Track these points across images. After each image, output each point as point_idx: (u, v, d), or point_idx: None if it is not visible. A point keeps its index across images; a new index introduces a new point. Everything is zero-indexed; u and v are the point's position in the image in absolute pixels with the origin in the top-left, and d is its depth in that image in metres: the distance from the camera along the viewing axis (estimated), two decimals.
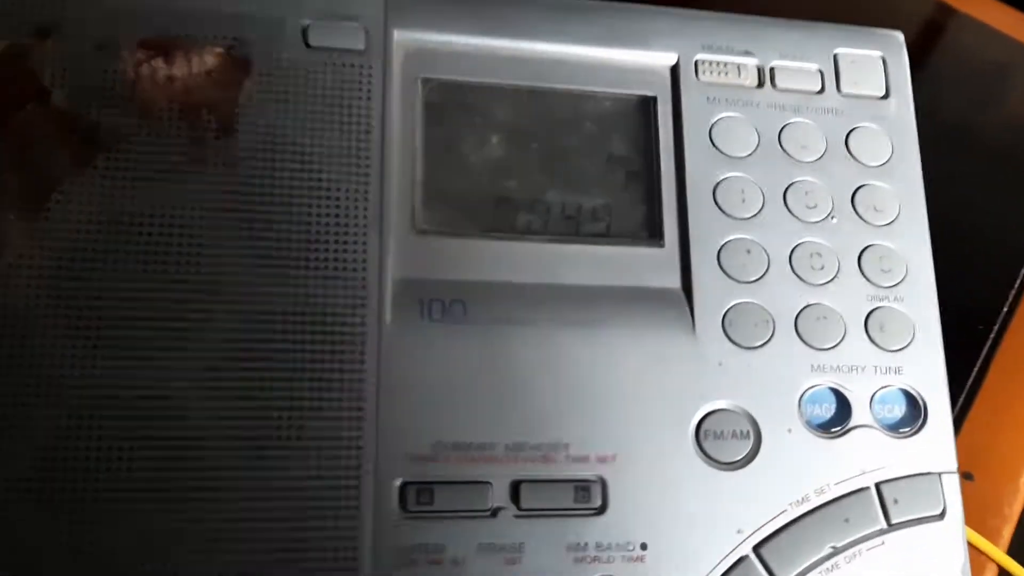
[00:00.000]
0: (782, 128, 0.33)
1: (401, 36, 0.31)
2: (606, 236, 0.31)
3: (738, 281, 0.31)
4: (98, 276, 0.27)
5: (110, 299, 0.27)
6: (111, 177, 0.28)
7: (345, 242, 0.29)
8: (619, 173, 0.32)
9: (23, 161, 0.27)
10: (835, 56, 0.34)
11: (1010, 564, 0.37)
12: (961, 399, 0.41)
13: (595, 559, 0.28)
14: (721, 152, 0.32)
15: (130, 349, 0.27)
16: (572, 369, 0.29)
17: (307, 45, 0.30)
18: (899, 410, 0.31)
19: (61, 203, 0.27)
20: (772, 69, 0.33)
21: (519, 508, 0.28)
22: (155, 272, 0.27)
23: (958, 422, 0.41)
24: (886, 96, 0.34)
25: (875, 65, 0.34)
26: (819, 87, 0.34)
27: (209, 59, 0.29)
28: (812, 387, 0.31)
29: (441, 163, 0.31)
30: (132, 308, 0.27)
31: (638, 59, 0.33)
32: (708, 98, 0.33)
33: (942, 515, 0.30)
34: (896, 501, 0.30)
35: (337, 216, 0.29)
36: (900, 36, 0.35)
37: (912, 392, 0.31)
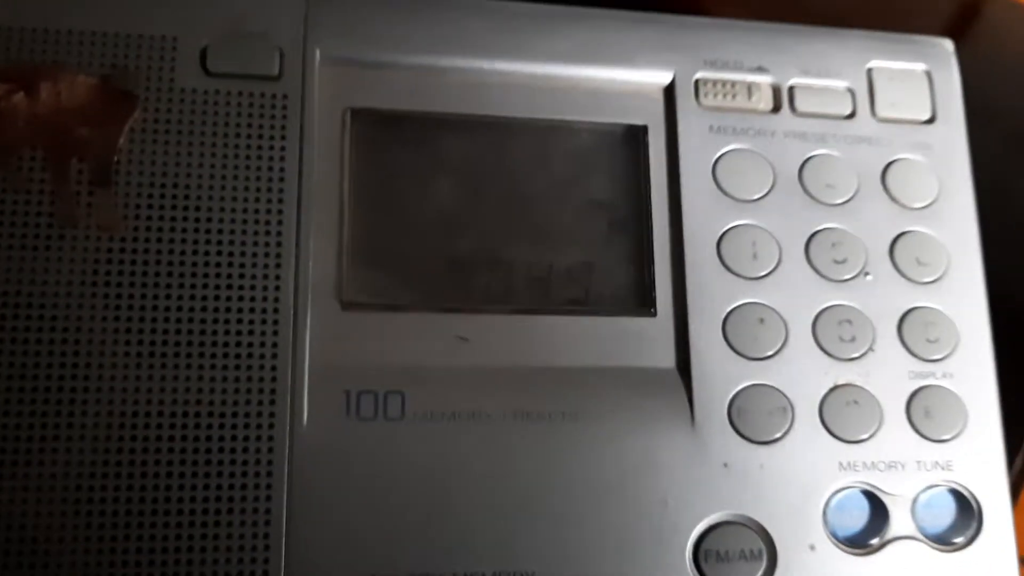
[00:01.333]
0: (803, 163, 0.27)
1: (324, 56, 0.25)
2: (584, 304, 0.26)
3: (748, 358, 0.26)
4: None
5: None
6: None
7: (251, 321, 0.23)
8: (600, 223, 0.26)
9: None
10: (869, 71, 0.28)
11: None
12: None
13: None
14: (727, 194, 0.27)
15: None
16: (538, 476, 0.24)
17: (206, 71, 0.25)
18: (948, 516, 0.26)
19: None
20: (791, 89, 0.28)
21: None
22: (10, 367, 0.22)
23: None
24: (932, 120, 0.28)
25: (918, 82, 0.28)
26: (849, 110, 0.28)
27: (81, 91, 0.24)
28: (840, 490, 0.25)
29: (375, 216, 0.25)
30: None
31: (623, 79, 0.27)
32: (711, 127, 0.27)
33: None
34: None
35: (242, 288, 0.24)
36: (949, 44, 0.29)
37: (964, 492, 0.26)
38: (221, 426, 0.23)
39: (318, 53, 0.25)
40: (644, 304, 0.26)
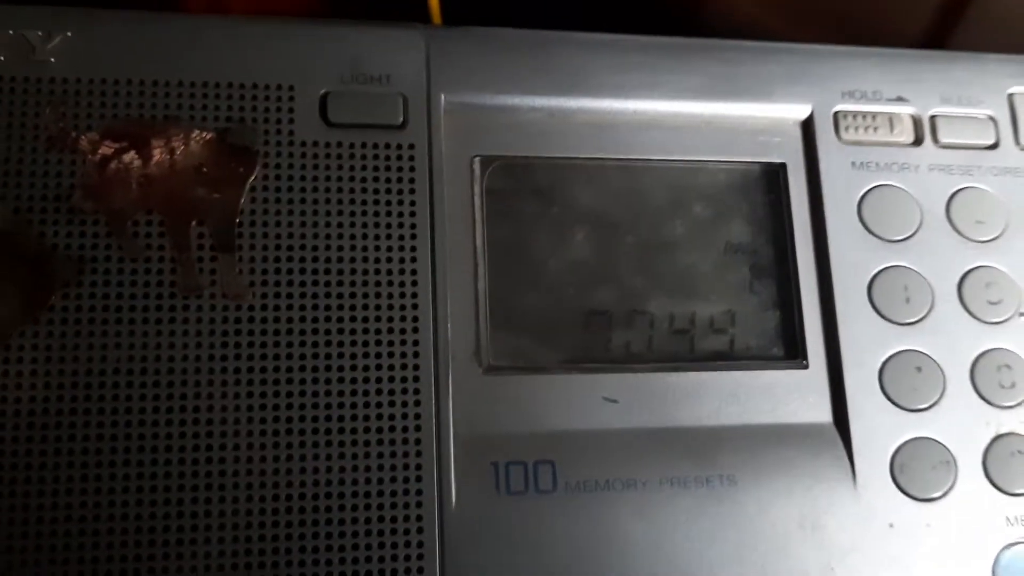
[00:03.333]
0: (950, 198, 0.26)
1: (449, 103, 0.24)
2: (730, 356, 0.25)
3: (907, 409, 0.25)
4: (62, 460, 0.21)
5: (80, 487, 0.21)
6: (74, 321, 0.21)
7: (392, 392, 0.22)
8: (742, 269, 0.25)
9: None
10: (1010, 97, 0.27)
11: None
12: None
13: None
14: (874, 234, 0.26)
15: (107, 555, 0.21)
16: (697, 546, 0.23)
17: (327, 122, 0.23)
18: None
19: (10, 363, 0.21)
20: (933, 119, 0.27)
21: None
22: (134, 451, 0.21)
23: None
24: None
25: None
26: (993, 140, 0.27)
27: (197, 149, 0.23)
28: (1009, 546, 0.24)
29: (510, 271, 0.24)
30: (107, 504, 0.21)
31: (758, 114, 0.26)
32: (854, 162, 0.26)
33: None
34: None
35: (379, 356, 0.22)
36: None
37: None
38: (367, 507, 0.22)
39: (443, 99, 0.24)
40: (794, 354, 0.25)
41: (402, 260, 0.23)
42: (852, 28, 0.42)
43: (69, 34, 0.23)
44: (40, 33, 0.23)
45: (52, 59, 0.23)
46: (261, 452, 0.22)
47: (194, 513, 0.21)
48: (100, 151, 0.22)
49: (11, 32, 0.23)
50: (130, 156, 0.22)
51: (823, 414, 0.25)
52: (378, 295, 0.23)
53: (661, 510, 0.23)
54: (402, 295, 0.23)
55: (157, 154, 0.23)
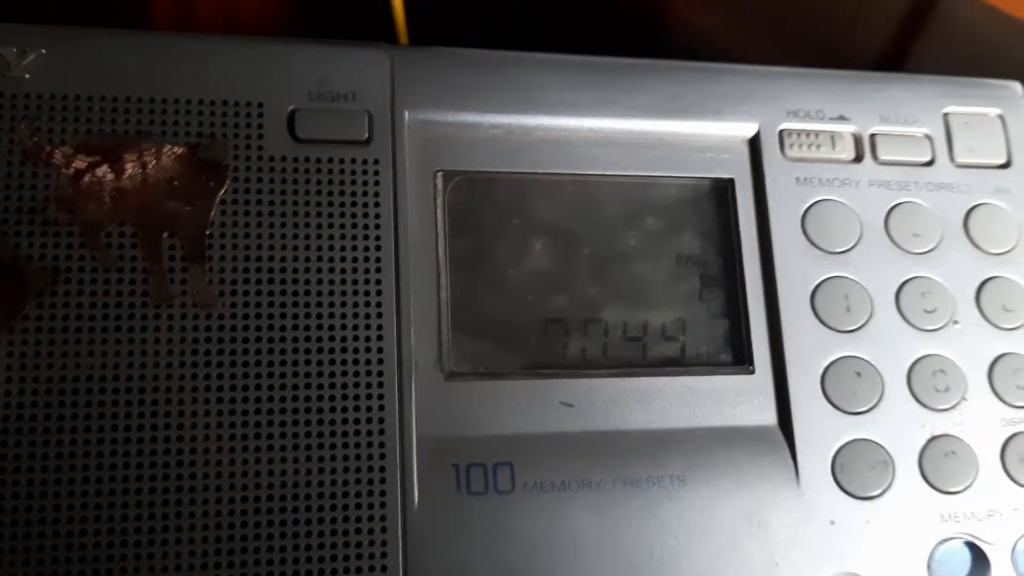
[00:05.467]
0: (888, 212, 0.28)
1: (413, 119, 0.26)
2: (680, 363, 0.26)
3: (848, 412, 0.26)
4: (35, 465, 0.22)
5: (53, 491, 0.22)
6: (48, 330, 0.22)
7: (356, 396, 0.24)
8: (692, 279, 0.27)
9: None
10: (945, 117, 0.29)
11: None
12: None
13: None
14: (817, 247, 0.27)
15: (80, 556, 0.22)
16: (648, 542, 0.25)
17: (294, 138, 0.25)
18: None
19: None
20: (873, 137, 0.29)
21: None
22: (107, 456, 0.22)
23: None
24: (1007, 164, 0.29)
25: (992, 126, 0.30)
26: (928, 157, 0.29)
27: (169, 163, 0.24)
28: (943, 542, 0.26)
29: (472, 282, 0.26)
30: (80, 506, 0.22)
31: (708, 132, 0.28)
32: (798, 178, 0.28)
33: None
34: None
35: (344, 364, 0.24)
36: (1019, 87, 0.30)
37: None
38: (332, 508, 0.23)
39: (407, 115, 0.26)
40: (741, 360, 0.27)
41: (367, 271, 0.24)
42: (811, 46, 0.44)
43: (43, 51, 0.24)
44: (15, 50, 0.24)
45: (27, 75, 0.24)
46: (231, 456, 0.23)
47: (165, 515, 0.22)
48: (74, 165, 0.23)
49: None
50: (103, 170, 0.24)
51: (768, 417, 0.26)
52: (343, 304, 0.24)
53: (615, 509, 0.25)
54: (367, 304, 0.24)
55: (130, 168, 0.24)
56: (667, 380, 0.26)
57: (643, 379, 0.26)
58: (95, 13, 0.37)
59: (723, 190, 0.28)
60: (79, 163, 0.23)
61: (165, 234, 0.24)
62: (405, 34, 0.37)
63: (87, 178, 0.23)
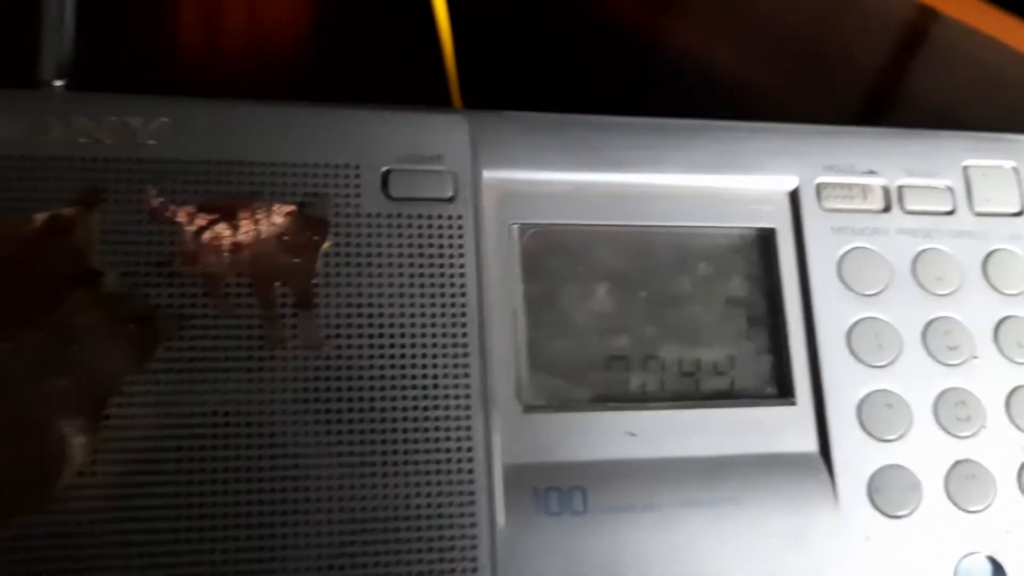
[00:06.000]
0: (915, 257, 0.31)
1: (491, 178, 0.29)
2: (730, 395, 0.29)
3: (881, 440, 0.29)
4: (169, 490, 0.25)
5: (182, 517, 0.25)
6: (175, 371, 0.25)
7: (447, 428, 0.27)
8: (739, 320, 0.30)
9: (75, 360, 0.25)
10: (965, 170, 0.32)
11: None
12: None
13: None
14: (851, 289, 0.30)
15: (211, 572, 0.24)
16: (705, 559, 0.27)
17: (388, 196, 0.28)
18: None
19: (122, 406, 0.25)
20: (900, 189, 0.32)
21: None
22: (231, 482, 0.25)
23: None
24: (1021, 212, 0.32)
25: (1007, 178, 0.33)
26: (950, 207, 0.32)
27: (279, 220, 0.27)
28: (967, 555, 0.29)
29: (545, 323, 0.29)
30: (209, 527, 0.25)
31: (752, 186, 0.31)
32: (833, 227, 0.31)
33: None
34: None
35: (436, 399, 0.27)
36: None
37: None
38: (428, 527, 0.26)
39: (485, 175, 0.29)
40: (784, 393, 0.30)
41: (454, 315, 0.27)
42: (808, 70, 0.46)
43: (165, 120, 0.27)
44: (141, 119, 0.27)
45: (151, 141, 0.27)
46: (339, 481, 0.26)
47: (284, 535, 0.25)
48: (196, 223, 0.26)
49: (114, 119, 0.27)
50: (221, 227, 0.27)
51: (810, 444, 0.29)
52: (434, 345, 0.27)
53: (675, 529, 0.27)
54: (454, 344, 0.27)
55: (245, 225, 0.27)
56: (718, 411, 0.29)
57: (697, 410, 0.29)
58: (122, 21, 0.40)
59: (766, 239, 0.31)
60: (200, 221, 0.26)
61: (277, 284, 0.27)
62: (459, 97, 0.40)
63: (207, 234, 0.26)
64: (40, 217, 0.26)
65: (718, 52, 0.48)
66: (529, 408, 0.28)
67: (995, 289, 0.32)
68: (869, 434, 0.29)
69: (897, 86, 0.49)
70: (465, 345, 0.27)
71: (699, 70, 0.47)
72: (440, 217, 0.28)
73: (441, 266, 0.28)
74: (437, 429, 0.27)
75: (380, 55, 0.44)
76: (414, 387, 0.27)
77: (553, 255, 0.29)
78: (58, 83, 0.30)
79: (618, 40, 0.47)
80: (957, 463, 0.30)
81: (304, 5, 0.46)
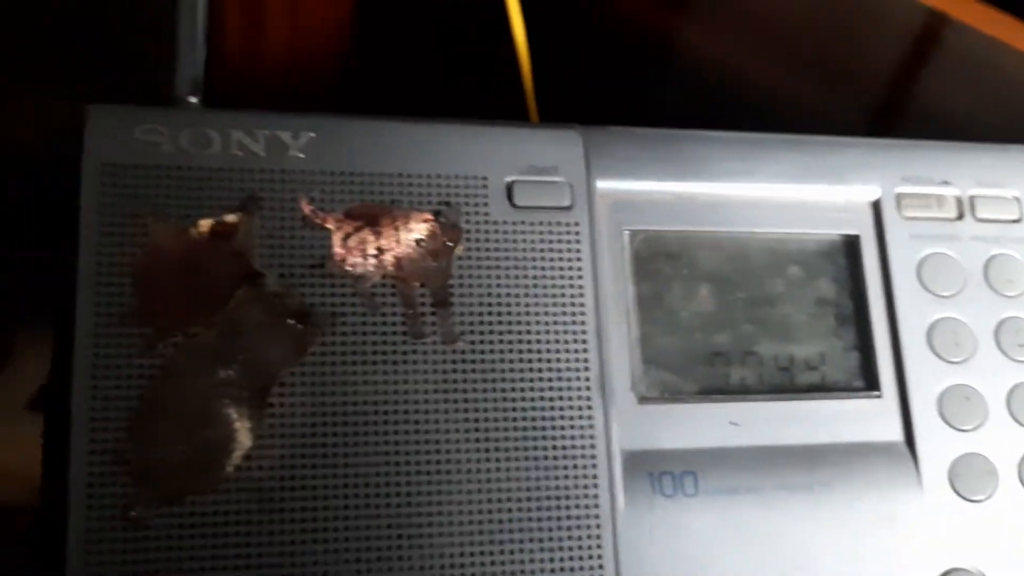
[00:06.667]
0: (987, 262, 0.34)
1: (603, 187, 0.31)
2: (821, 388, 0.32)
3: (960, 430, 0.32)
4: (326, 472, 0.27)
5: (336, 497, 0.27)
6: (330, 363, 0.28)
7: (571, 417, 0.29)
8: (829, 318, 0.33)
9: (241, 353, 0.27)
10: None
11: None
12: None
13: None
14: (930, 292, 0.33)
15: (362, 550, 0.27)
16: (804, 540, 0.30)
17: (512, 205, 0.30)
18: None
19: (283, 395, 0.27)
20: (972, 199, 0.34)
21: None
22: (380, 464, 0.28)
23: None
24: None
25: None
26: (1017, 216, 0.35)
27: (417, 226, 0.29)
28: None
29: (654, 320, 0.31)
30: (363, 506, 0.27)
31: (838, 195, 0.33)
32: (912, 234, 0.33)
33: None
34: None
35: (560, 390, 0.29)
36: None
37: None
38: (557, 507, 0.28)
39: (598, 184, 0.31)
40: (871, 387, 0.32)
41: (574, 313, 0.30)
42: (820, 72, 0.49)
43: (313, 135, 0.29)
44: (290, 134, 0.29)
45: (301, 155, 0.29)
46: (476, 465, 0.28)
47: (429, 513, 0.28)
48: (343, 228, 0.29)
49: (268, 133, 0.29)
50: (366, 233, 0.29)
51: (895, 434, 0.32)
52: (557, 341, 0.30)
53: (776, 510, 0.30)
54: (575, 340, 0.30)
55: (386, 231, 0.29)
56: (812, 403, 0.31)
57: (792, 402, 0.31)
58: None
59: (852, 244, 0.33)
60: (347, 227, 0.29)
61: (417, 284, 0.29)
62: (536, 112, 0.43)
63: (354, 240, 0.29)
64: (206, 223, 0.28)
65: (725, 51, 0.49)
66: (643, 399, 0.30)
67: None
68: (949, 424, 0.32)
69: (909, 90, 0.50)
70: (584, 341, 0.30)
71: (704, 69, 0.49)
72: (559, 224, 0.31)
73: (561, 268, 0.30)
74: (562, 418, 0.29)
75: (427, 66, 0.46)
76: (540, 379, 0.29)
77: (660, 258, 0.32)
78: (193, 99, 0.32)
79: (620, 40, 0.49)
80: None
81: (345, 22, 0.47)
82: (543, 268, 0.30)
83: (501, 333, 0.29)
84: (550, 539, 0.28)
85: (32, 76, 0.40)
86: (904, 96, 0.51)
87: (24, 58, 0.40)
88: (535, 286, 0.30)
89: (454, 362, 0.29)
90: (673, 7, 0.52)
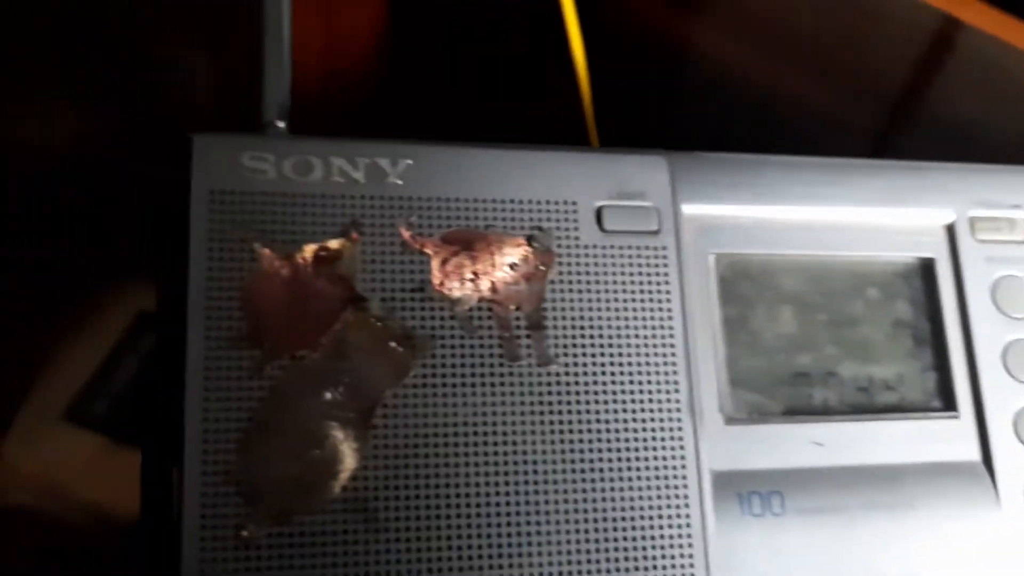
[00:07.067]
0: None
1: (689, 212, 0.32)
2: (900, 409, 0.32)
3: None
4: (428, 493, 0.28)
5: (440, 517, 0.28)
6: (431, 384, 0.29)
7: (662, 438, 0.30)
8: (906, 340, 0.33)
9: (346, 375, 0.28)
10: None
11: None
12: None
13: None
14: (1004, 313, 0.34)
15: (464, 569, 0.28)
16: (886, 558, 0.31)
17: (601, 229, 0.31)
18: None
19: (386, 417, 0.28)
20: None
21: None
22: (481, 485, 0.28)
23: None
24: None
25: None
26: None
27: (511, 251, 0.30)
28: None
29: (739, 342, 0.32)
30: (465, 526, 0.28)
31: (914, 219, 0.34)
32: (986, 257, 0.34)
33: None
34: None
35: (651, 411, 0.30)
36: None
37: None
38: (651, 527, 0.29)
39: (684, 208, 0.32)
40: (949, 407, 0.33)
41: (663, 335, 0.31)
42: (833, 77, 0.49)
43: (410, 162, 0.30)
44: (388, 161, 0.30)
45: (399, 181, 0.30)
46: (572, 485, 0.29)
47: (529, 532, 0.28)
48: (441, 253, 0.30)
49: (368, 160, 0.30)
50: (463, 257, 0.30)
51: (973, 453, 0.32)
52: (647, 363, 0.30)
53: (860, 530, 0.31)
54: (664, 363, 0.30)
55: (482, 255, 0.30)
56: (891, 423, 0.32)
57: (873, 423, 0.32)
58: (202, 31, 0.42)
59: (927, 267, 0.34)
60: (444, 252, 0.30)
61: (512, 307, 0.30)
62: (596, 137, 0.43)
63: (451, 264, 0.30)
64: (310, 248, 0.29)
65: (737, 57, 0.50)
66: (730, 420, 0.31)
67: None
68: None
69: (920, 95, 0.51)
70: (674, 363, 0.30)
71: (716, 76, 0.49)
72: (647, 248, 0.31)
73: (650, 291, 0.31)
74: (653, 439, 0.30)
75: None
76: (632, 400, 0.30)
77: (744, 281, 0.33)
78: (280, 124, 0.33)
79: (633, 45, 0.49)
80: None
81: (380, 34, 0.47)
82: (632, 291, 0.31)
83: (593, 355, 0.30)
84: (644, 558, 0.29)
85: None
86: (916, 101, 0.51)
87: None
88: (625, 309, 0.31)
89: (548, 384, 0.29)
90: (683, 10, 0.52)
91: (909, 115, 0.51)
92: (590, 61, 0.44)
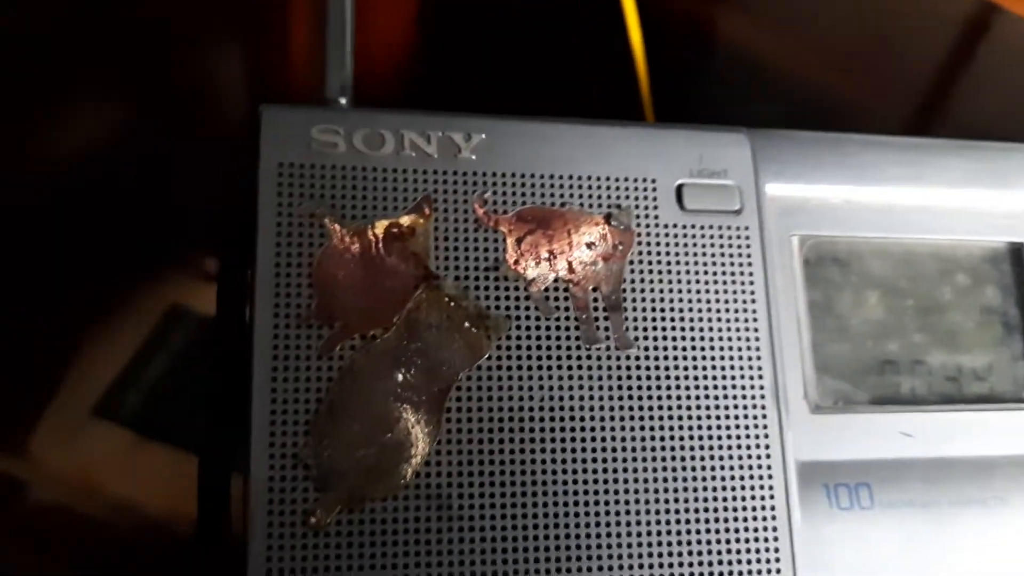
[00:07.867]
0: None
1: (772, 191, 0.30)
2: (990, 399, 0.31)
3: None
4: (504, 479, 0.26)
5: (515, 504, 0.26)
6: (506, 367, 0.27)
7: (746, 426, 0.28)
8: (996, 327, 0.32)
9: (420, 356, 0.27)
10: None
11: None
12: None
13: None
14: None
15: (540, 560, 0.26)
16: (980, 556, 0.29)
17: (682, 207, 0.30)
18: None
19: (460, 400, 0.27)
20: None
21: None
22: (558, 472, 0.27)
23: None
24: None
25: None
26: None
27: (589, 230, 0.29)
28: None
29: (825, 328, 0.30)
30: (542, 514, 0.26)
31: (1003, 202, 0.32)
32: None
33: None
34: None
35: (734, 398, 0.28)
36: None
37: None
38: (735, 519, 0.28)
39: (767, 188, 0.30)
40: None
41: (746, 319, 0.29)
42: (861, 70, 0.47)
43: (484, 136, 0.29)
44: (463, 135, 0.29)
45: (473, 156, 0.29)
46: (653, 473, 0.27)
47: (605, 523, 0.27)
48: (516, 231, 0.28)
49: (440, 134, 0.29)
50: (539, 236, 0.28)
51: None
52: (730, 347, 0.29)
53: (950, 525, 0.29)
54: (748, 347, 0.29)
55: (558, 234, 0.29)
56: (982, 414, 0.30)
57: (962, 413, 0.30)
58: (236, 38, 0.41)
59: (1017, 252, 0.32)
60: (520, 230, 0.28)
61: (590, 288, 0.28)
62: (651, 111, 0.42)
63: (527, 242, 0.28)
64: (382, 224, 0.28)
65: (766, 49, 0.48)
66: (816, 408, 0.29)
67: None
68: None
69: (957, 83, 0.49)
70: (758, 348, 0.29)
71: (744, 66, 0.48)
72: (729, 228, 0.30)
73: (732, 273, 0.29)
74: (737, 427, 0.28)
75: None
76: (715, 386, 0.28)
77: (829, 264, 0.31)
78: (343, 100, 0.31)
79: (662, 36, 0.48)
80: None
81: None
82: (714, 273, 0.29)
83: (674, 339, 0.29)
84: (728, 551, 0.27)
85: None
86: (951, 89, 0.49)
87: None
88: (707, 291, 0.29)
89: (627, 368, 0.28)
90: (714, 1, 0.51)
91: (944, 106, 0.49)
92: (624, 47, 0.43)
